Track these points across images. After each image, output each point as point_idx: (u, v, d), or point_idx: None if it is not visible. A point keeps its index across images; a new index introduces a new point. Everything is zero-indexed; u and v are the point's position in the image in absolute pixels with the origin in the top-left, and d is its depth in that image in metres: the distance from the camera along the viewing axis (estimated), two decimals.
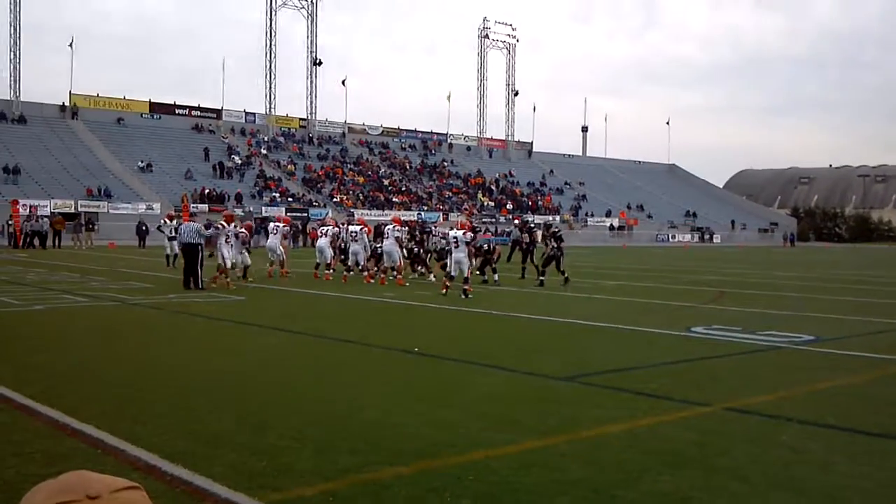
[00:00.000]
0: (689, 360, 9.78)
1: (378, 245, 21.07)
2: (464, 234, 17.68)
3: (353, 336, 11.43)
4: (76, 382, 7.87)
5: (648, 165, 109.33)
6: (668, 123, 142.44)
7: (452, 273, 17.68)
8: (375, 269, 21.32)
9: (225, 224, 19.53)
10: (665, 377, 8.65)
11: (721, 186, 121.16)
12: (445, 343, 11.03)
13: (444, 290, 17.53)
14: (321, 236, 22.36)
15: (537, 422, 6.51)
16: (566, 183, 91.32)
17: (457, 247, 17.62)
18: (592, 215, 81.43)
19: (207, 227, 19.68)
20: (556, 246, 20.86)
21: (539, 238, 22.24)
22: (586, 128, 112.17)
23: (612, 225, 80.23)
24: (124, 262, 29.48)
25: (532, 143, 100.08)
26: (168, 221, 27.92)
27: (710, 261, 40.76)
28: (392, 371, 8.81)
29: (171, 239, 26.05)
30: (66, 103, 69.20)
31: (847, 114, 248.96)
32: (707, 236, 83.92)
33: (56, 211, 48.74)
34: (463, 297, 16.86)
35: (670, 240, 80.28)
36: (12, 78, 66.50)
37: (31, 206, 47.23)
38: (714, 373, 9.00)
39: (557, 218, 76.11)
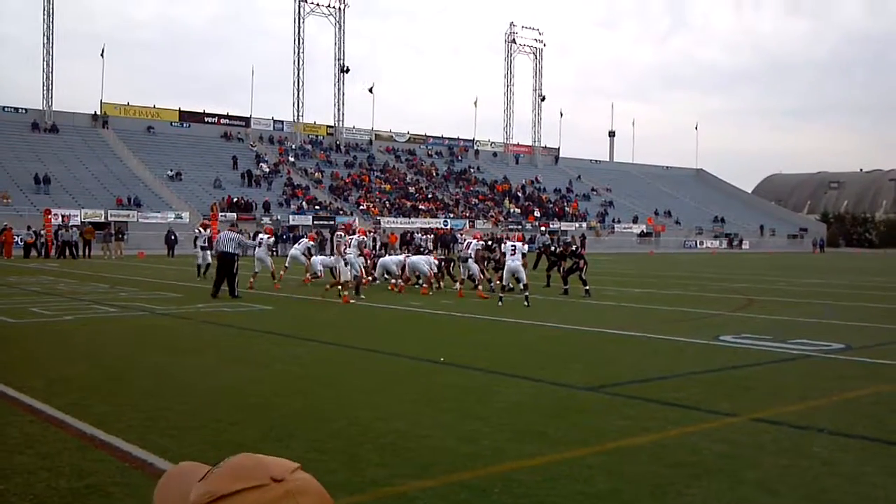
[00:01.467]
0: (717, 370, 9.69)
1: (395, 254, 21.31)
2: (522, 243, 18.43)
3: (380, 346, 11.44)
4: (104, 394, 7.93)
5: (676, 171, 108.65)
6: (696, 128, 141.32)
7: (508, 284, 18.21)
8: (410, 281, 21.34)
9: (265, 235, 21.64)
10: (693, 387, 8.57)
11: (749, 191, 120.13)
12: (471, 353, 11.01)
13: (500, 301, 17.62)
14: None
15: (563, 433, 6.47)
16: (593, 189, 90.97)
17: (513, 254, 17.91)
18: (619, 221, 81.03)
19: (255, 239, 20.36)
20: (576, 260, 21.04)
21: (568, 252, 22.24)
22: (613, 133, 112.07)
23: (640, 231, 79.78)
24: (153, 272, 29.75)
25: (559, 148, 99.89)
26: (202, 231, 28.02)
27: (739, 267, 40.41)
28: (418, 381, 8.80)
29: (203, 249, 26.17)
30: (98, 112, 70.08)
31: (876, 116, 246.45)
32: (735, 242, 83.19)
33: (86, 220, 49.30)
34: (525, 304, 17.00)
35: (698, 246, 79.69)
36: (44, 87, 67.48)
37: (62, 216, 47.82)
38: (743, 382, 8.91)
39: (584, 224, 75.86)
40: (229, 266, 18.43)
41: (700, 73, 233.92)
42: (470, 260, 20.40)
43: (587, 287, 20.11)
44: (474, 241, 20.90)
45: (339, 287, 18.24)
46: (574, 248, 22.73)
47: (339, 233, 19.69)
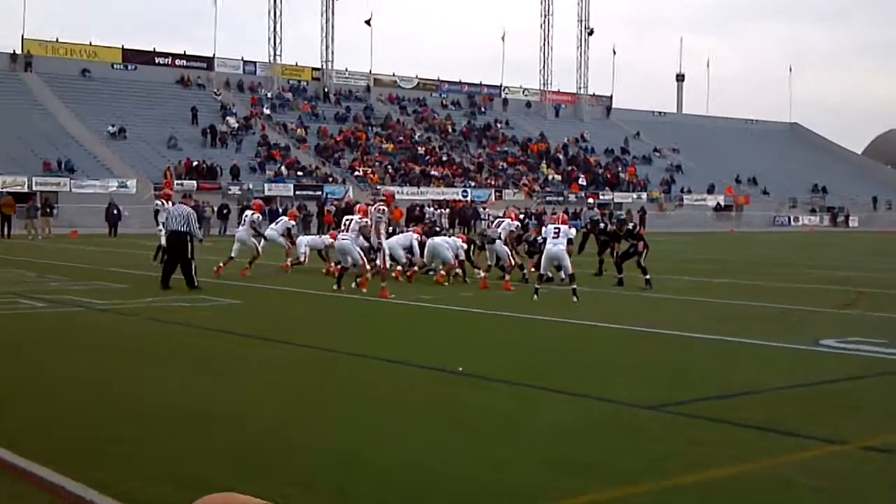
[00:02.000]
0: (816, 384, 9.66)
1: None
2: (568, 226, 18.50)
3: (377, 351, 11.46)
4: (28, 411, 7.98)
5: (764, 125, 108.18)
6: (789, 71, 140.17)
7: (547, 273, 18.15)
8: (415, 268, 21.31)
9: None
10: (785, 405, 8.55)
11: (859, 152, 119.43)
12: (498, 360, 11.02)
13: (535, 295, 17.60)
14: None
15: (617, 464, 6.47)
16: (656, 150, 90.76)
17: (556, 237, 17.94)
18: (690, 192, 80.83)
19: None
20: (633, 243, 21.04)
21: (623, 231, 22.23)
22: (682, 76, 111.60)
23: (716, 204, 79.57)
24: (91, 256, 29.93)
25: (611, 97, 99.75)
26: (164, 203, 27.82)
27: (845, 250, 40.22)
28: (429, 397, 8.82)
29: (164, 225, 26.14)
30: (17, 51, 70.37)
31: None
32: (840, 218, 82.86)
33: (5, 191, 49.57)
34: (574, 299, 17.02)
35: (791, 223, 79.48)
36: None
37: None
38: (850, 400, 8.88)
39: (644, 195, 75.70)
40: (182, 249, 18.52)
41: None
42: (498, 241, 20.38)
43: (647, 276, 20.07)
44: (507, 221, 20.81)
45: (375, 278, 18.38)
46: (631, 225, 22.66)
47: (379, 206, 19.38)
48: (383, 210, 18.73)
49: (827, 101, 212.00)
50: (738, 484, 6.09)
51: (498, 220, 21.61)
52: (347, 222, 19.78)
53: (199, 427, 7.43)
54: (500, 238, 20.35)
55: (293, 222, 25.69)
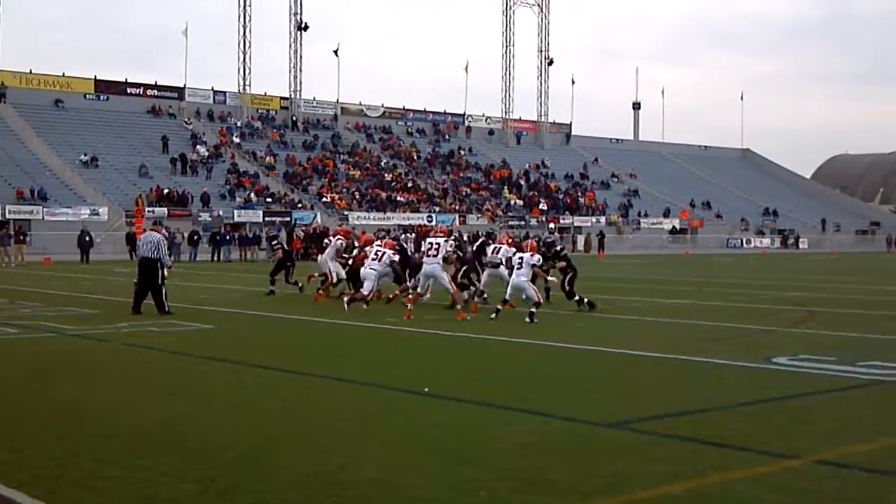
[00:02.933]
0: (769, 400, 9.72)
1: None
2: (531, 254, 18.42)
3: (347, 373, 11.42)
4: (3, 436, 7.89)
5: (717, 151, 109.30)
6: (741, 98, 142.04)
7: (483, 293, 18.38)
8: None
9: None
10: (740, 422, 8.59)
11: (808, 177, 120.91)
12: (463, 381, 11.01)
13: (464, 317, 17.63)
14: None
15: (579, 481, 6.48)
16: (613, 175, 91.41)
17: (519, 268, 18.20)
18: (647, 215, 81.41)
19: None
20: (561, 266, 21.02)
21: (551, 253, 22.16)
22: (639, 105, 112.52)
23: (672, 227, 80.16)
24: (63, 283, 29.65)
25: (570, 125, 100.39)
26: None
27: (796, 272, 40.60)
28: (396, 418, 8.79)
29: None
30: None
31: None
32: (791, 240, 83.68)
33: None
34: (527, 319, 17.09)
35: (744, 245, 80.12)
36: None
37: None
38: (802, 415, 8.94)
39: (603, 219, 76.11)
40: (152, 275, 18.48)
41: (747, 27, 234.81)
42: (501, 267, 20.19)
43: (577, 298, 19.82)
44: (504, 247, 20.60)
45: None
46: (559, 247, 22.44)
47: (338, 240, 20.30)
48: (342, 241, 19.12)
49: (777, 127, 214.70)
50: (697, 499, 6.10)
51: (496, 247, 21.25)
52: (379, 253, 19.68)
53: (169, 450, 7.37)
54: (503, 263, 20.18)
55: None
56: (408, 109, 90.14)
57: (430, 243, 19.36)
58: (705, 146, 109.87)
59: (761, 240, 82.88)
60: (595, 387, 10.60)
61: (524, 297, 18.16)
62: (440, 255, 19.14)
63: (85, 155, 63.41)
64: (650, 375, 11.62)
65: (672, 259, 55.85)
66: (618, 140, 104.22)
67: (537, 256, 18.60)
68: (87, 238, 46.04)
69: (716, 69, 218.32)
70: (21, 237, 45.21)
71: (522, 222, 70.54)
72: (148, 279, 18.58)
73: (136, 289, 18.85)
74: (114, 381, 10.92)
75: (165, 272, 18.83)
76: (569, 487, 6.33)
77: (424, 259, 19.32)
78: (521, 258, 18.45)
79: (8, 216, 51.52)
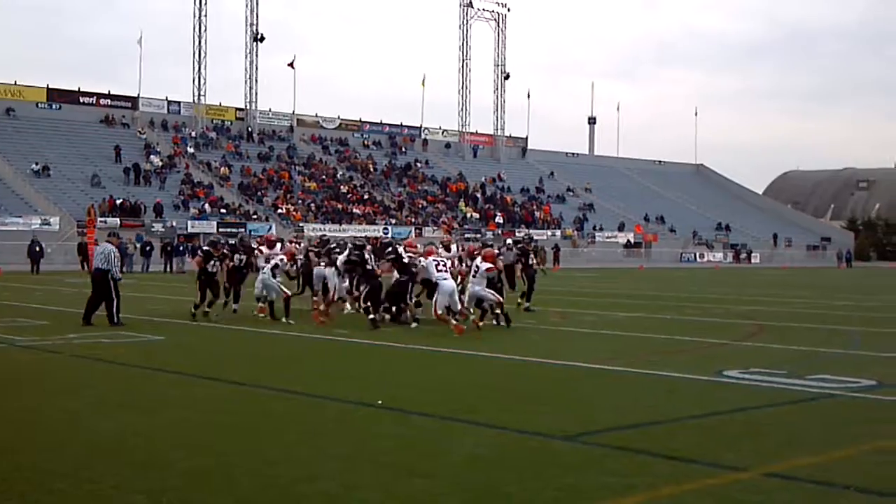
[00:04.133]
0: (720, 413, 9.80)
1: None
2: (487, 269, 18.46)
3: (300, 386, 11.38)
4: None
5: (671, 167, 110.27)
6: (695, 115, 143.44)
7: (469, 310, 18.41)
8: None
9: (264, 250, 21.47)
10: (690, 434, 8.67)
11: (760, 192, 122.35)
12: (416, 393, 11.01)
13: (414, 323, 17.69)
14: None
15: (532, 493, 6.49)
16: (569, 189, 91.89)
17: (474, 276, 18.48)
18: (602, 229, 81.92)
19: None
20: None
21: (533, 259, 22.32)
22: (594, 119, 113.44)
23: (627, 241, 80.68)
24: (13, 293, 29.24)
25: (526, 138, 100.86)
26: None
27: (747, 286, 41.00)
28: (350, 430, 8.77)
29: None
30: None
31: None
32: (743, 255, 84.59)
33: None
34: (502, 323, 17.66)
35: (697, 259, 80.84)
36: None
37: None
38: (752, 428, 9.02)
39: (558, 233, 76.46)
40: (103, 285, 18.31)
41: (701, 46, 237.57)
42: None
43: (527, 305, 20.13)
44: (484, 264, 20.03)
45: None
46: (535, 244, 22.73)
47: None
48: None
49: (730, 143, 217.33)
50: None
51: (475, 266, 20.63)
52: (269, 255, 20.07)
53: (119, 463, 7.29)
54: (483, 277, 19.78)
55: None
56: (364, 122, 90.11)
57: (440, 261, 18.92)
58: (660, 161, 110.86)
59: (714, 254, 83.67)
60: (548, 400, 10.63)
61: (485, 304, 18.31)
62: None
63: (36, 164, 62.68)
64: (603, 388, 11.69)
65: (627, 272, 56.18)
66: (574, 154, 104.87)
67: (488, 265, 18.65)
68: (38, 248, 45.44)
69: (670, 86, 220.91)
70: None
71: (479, 235, 70.62)
72: (100, 290, 18.40)
73: (89, 299, 18.65)
74: (63, 393, 10.79)
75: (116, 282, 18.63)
76: (522, 500, 6.34)
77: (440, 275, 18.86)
78: (476, 266, 18.53)
79: None
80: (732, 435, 8.67)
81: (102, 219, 53.52)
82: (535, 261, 24.22)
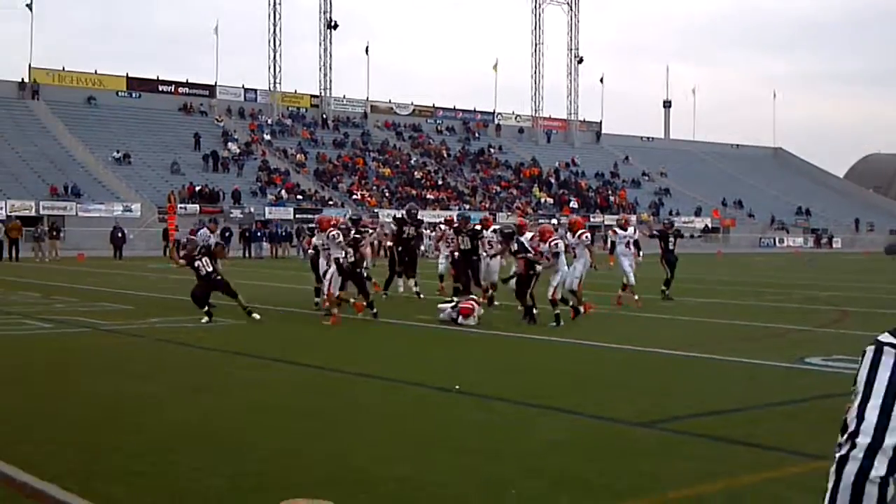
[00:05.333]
0: (803, 400, 9.65)
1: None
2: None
3: (377, 370, 11.44)
4: (36, 430, 7.96)
5: (749, 150, 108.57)
6: (773, 97, 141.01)
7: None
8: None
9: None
10: (772, 422, 8.55)
11: (841, 176, 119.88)
12: (493, 379, 11.00)
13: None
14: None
15: (610, 479, 6.45)
16: (644, 174, 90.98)
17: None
18: (678, 214, 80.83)
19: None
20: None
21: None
22: (669, 103, 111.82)
23: (704, 226, 79.69)
24: (97, 278, 29.88)
25: (601, 123, 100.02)
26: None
27: (829, 271, 40.28)
28: (426, 415, 8.80)
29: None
30: (25, 80, 70.47)
31: None
32: (824, 240, 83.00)
33: (13, 214, 49.57)
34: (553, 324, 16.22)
35: (777, 244, 79.55)
36: None
37: None
38: (835, 416, 8.81)
39: (633, 217, 75.73)
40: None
41: (780, 26, 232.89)
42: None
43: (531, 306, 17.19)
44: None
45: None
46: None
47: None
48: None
49: (810, 125, 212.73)
50: (729, 500, 6.06)
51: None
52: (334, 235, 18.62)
53: (200, 446, 7.40)
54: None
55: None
56: (437, 107, 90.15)
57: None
58: (737, 144, 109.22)
59: (794, 239, 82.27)
60: (626, 386, 10.55)
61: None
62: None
63: (117, 152, 63.85)
64: (681, 375, 11.57)
65: (704, 258, 55.51)
66: (648, 138, 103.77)
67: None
68: (120, 234, 46.38)
69: (747, 68, 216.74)
70: (54, 233, 45.60)
71: (553, 220, 70.35)
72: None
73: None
74: (145, 377, 10.99)
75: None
76: (600, 486, 6.31)
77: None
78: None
79: (42, 212, 51.99)
80: (815, 423, 8.52)
81: (182, 205, 54.38)
82: (674, 245, 23.24)
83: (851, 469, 2.09)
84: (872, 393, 2.08)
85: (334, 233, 17.47)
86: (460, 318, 16.55)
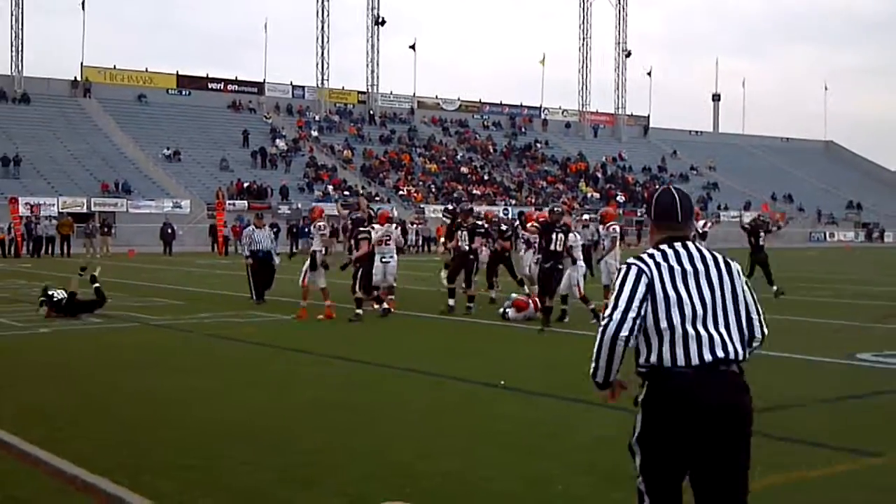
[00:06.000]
0: (854, 397, 9.52)
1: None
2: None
3: (423, 366, 11.45)
4: (88, 425, 8.06)
5: (799, 144, 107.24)
6: (824, 90, 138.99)
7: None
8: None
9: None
10: (823, 418, 8.46)
11: (893, 169, 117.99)
12: (539, 374, 10.97)
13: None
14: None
15: None
16: (692, 168, 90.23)
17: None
18: (726, 208, 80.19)
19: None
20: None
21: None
22: (718, 96, 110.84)
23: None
24: (147, 274, 30.20)
25: (648, 117, 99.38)
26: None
27: (881, 266, 39.69)
28: (472, 410, 8.79)
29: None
30: (78, 78, 71.43)
31: None
32: (875, 234, 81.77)
33: (65, 211, 50.23)
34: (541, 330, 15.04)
35: (827, 239, 78.56)
36: (13, 48, 69.03)
37: (32, 206, 48.65)
38: (886, 413, 8.75)
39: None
40: (268, 265, 19.96)
41: (829, 19, 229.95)
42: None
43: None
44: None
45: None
46: (504, 227, 21.47)
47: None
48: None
49: (861, 119, 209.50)
50: (780, 497, 5.99)
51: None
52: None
53: (248, 440, 7.45)
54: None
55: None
56: (484, 103, 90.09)
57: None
58: (787, 138, 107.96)
59: (845, 233, 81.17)
60: None
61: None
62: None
63: (167, 149, 64.51)
64: None
65: None
66: (697, 132, 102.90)
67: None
68: (170, 230, 46.83)
69: (797, 61, 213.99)
70: (106, 229, 46.13)
71: (587, 216, 70.03)
72: (266, 269, 19.83)
73: (255, 279, 19.74)
74: (195, 372, 11.08)
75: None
76: None
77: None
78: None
79: (93, 209, 52.64)
80: (866, 419, 8.41)
81: (231, 202, 54.82)
82: (763, 241, 22.58)
83: (608, 331, 3.98)
84: (621, 292, 3.92)
85: (320, 223, 17.93)
86: (511, 311, 16.48)
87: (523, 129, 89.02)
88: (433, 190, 68.92)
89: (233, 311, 17.59)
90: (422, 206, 63.53)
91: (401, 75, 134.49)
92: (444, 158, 76.56)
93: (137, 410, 8.65)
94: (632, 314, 3.88)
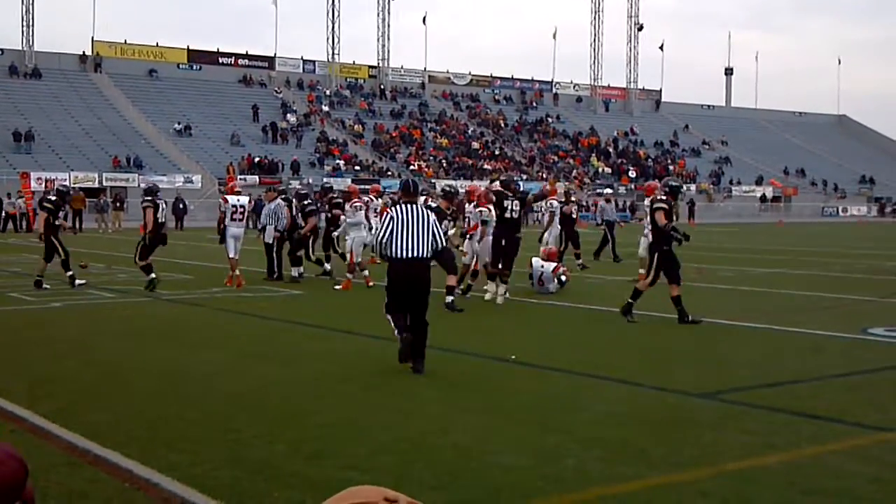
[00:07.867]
0: (866, 372, 9.50)
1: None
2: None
3: (434, 341, 11.43)
4: (99, 398, 8.10)
5: (812, 118, 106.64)
6: (838, 63, 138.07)
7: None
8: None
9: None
10: (834, 393, 8.44)
11: None
12: (549, 349, 10.98)
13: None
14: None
15: (669, 451, 6.41)
16: (704, 142, 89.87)
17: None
18: (739, 183, 79.95)
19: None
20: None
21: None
22: (731, 70, 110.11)
23: (763, 195, 78.60)
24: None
25: (660, 91, 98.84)
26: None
27: (894, 241, 39.54)
28: (483, 385, 8.80)
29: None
30: (88, 53, 71.38)
31: None
32: (889, 209, 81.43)
33: (76, 186, 50.30)
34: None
35: (840, 213, 78.27)
36: (24, 23, 68.96)
37: (46, 181, 48.78)
38: None
39: (693, 187, 74.95)
40: (280, 242, 19.19)
41: None
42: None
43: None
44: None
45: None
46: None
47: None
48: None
49: (875, 93, 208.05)
50: (788, 470, 6.00)
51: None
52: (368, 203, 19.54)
53: (260, 414, 7.48)
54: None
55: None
56: (495, 77, 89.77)
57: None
58: (800, 112, 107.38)
59: (858, 208, 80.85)
60: (685, 357, 10.47)
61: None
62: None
63: (178, 124, 64.50)
64: (742, 346, 11.44)
65: (765, 227, 54.85)
66: (709, 106, 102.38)
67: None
68: (182, 205, 46.87)
69: (811, 35, 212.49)
70: (118, 204, 46.21)
71: (611, 190, 69.86)
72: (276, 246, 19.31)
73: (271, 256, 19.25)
74: (207, 346, 11.12)
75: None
76: (659, 457, 6.27)
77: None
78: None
79: (105, 184, 52.70)
80: (877, 394, 8.40)
81: (242, 176, 54.81)
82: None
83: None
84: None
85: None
86: (545, 279, 16.65)
87: (534, 104, 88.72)
88: (444, 165, 68.83)
89: (245, 286, 17.57)
90: (433, 181, 63.42)
91: (412, 50, 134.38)
92: (454, 133, 76.38)
93: (149, 384, 8.69)
94: None
